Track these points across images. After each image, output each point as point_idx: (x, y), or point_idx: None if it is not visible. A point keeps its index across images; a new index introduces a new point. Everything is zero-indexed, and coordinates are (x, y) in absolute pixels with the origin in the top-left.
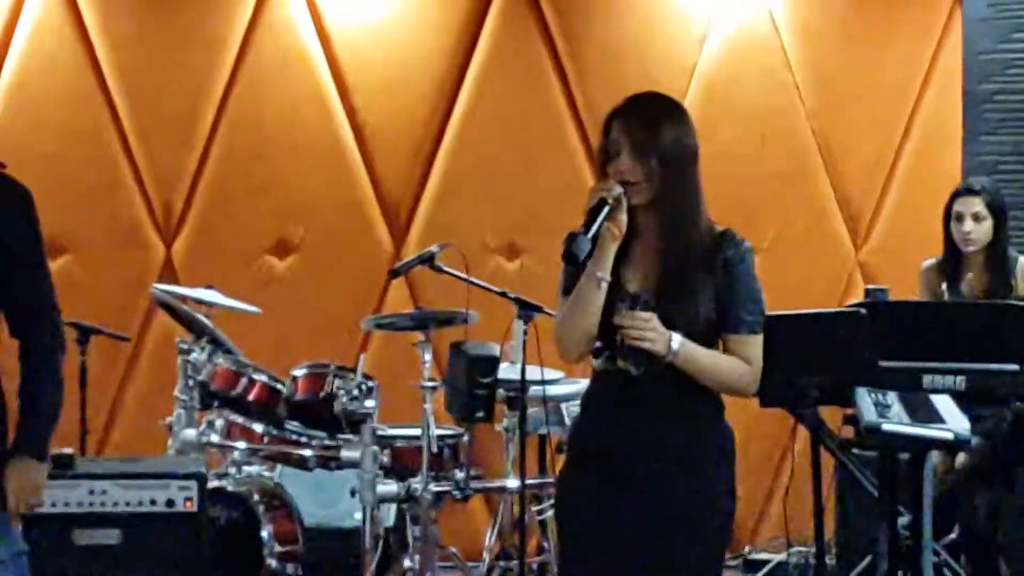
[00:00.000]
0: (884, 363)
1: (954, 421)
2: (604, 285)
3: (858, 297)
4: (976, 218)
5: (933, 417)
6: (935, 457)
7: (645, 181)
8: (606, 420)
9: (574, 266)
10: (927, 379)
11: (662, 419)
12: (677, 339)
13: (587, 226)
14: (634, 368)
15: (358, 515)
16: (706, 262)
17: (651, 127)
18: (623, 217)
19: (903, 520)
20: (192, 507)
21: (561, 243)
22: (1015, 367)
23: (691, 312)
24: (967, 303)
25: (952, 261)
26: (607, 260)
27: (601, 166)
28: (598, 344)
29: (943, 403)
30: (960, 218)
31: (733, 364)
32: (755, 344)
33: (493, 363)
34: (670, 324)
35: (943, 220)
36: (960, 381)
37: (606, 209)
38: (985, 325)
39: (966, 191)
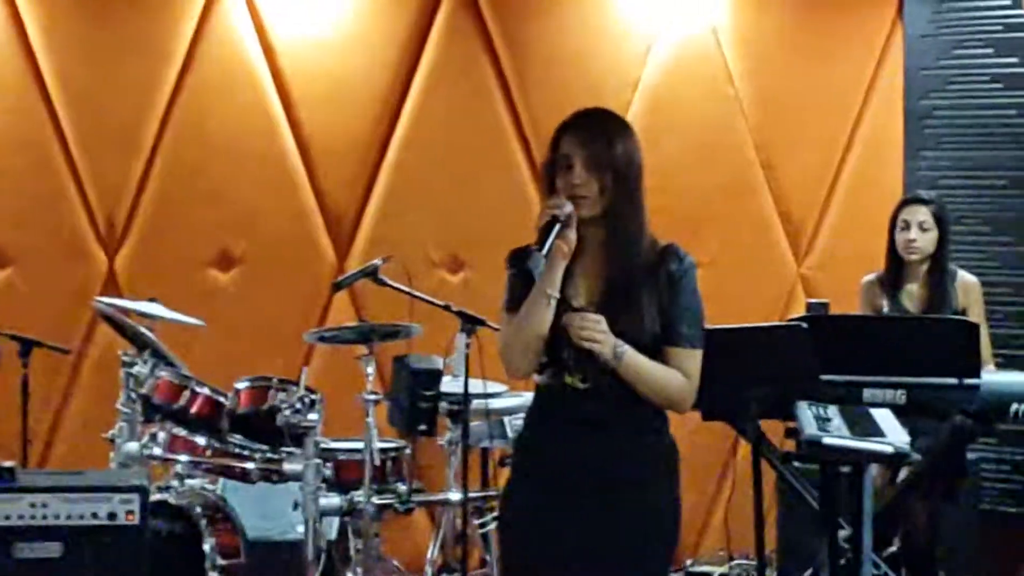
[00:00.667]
0: (825, 377)
1: (894, 435)
2: (553, 302)
3: (799, 311)
4: (921, 227)
5: (873, 431)
6: (875, 470)
7: (598, 195)
8: (551, 435)
9: (531, 281)
10: (867, 393)
11: (607, 434)
12: (622, 344)
13: (541, 243)
14: (581, 382)
15: (300, 528)
16: (650, 276)
17: (604, 141)
18: (573, 235)
19: (843, 533)
20: (134, 520)
21: (505, 259)
22: (954, 381)
23: (636, 326)
24: (907, 317)
25: (894, 272)
26: (556, 277)
27: (550, 181)
28: (543, 359)
29: (883, 417)
30: (906, 226)
31: (671, 375)
32: (694, 359)
33: (436, 376)
34: (616, 336)
35: (888, 230)
36: (900, 395)
37: (557, 227)
38: (925, 339)
39: (914, 200)
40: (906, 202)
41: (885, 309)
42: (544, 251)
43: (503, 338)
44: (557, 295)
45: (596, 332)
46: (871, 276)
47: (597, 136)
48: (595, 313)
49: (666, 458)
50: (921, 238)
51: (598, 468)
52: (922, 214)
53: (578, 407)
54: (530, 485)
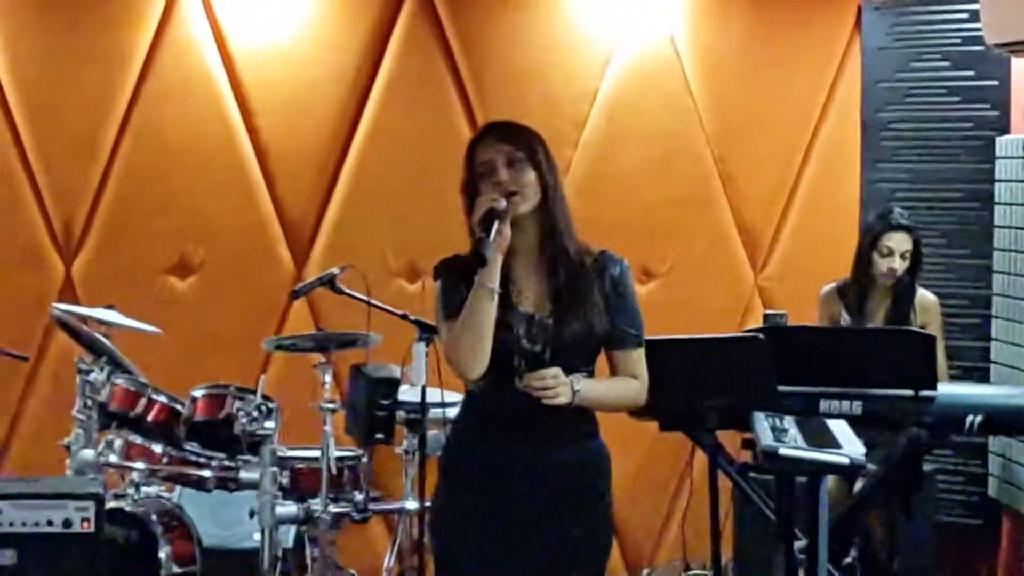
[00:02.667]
0: (782, 388)
1: (850, 446)
2: (496, 296)
3: (757, 322)
4: (903, 257)
5: (829, 442)
6: (832, 481)
7: (526, 190)
8: (483, 443)
9: (485, 267)
10: (824, 404)
11: (538, 440)
12: (579, 383)
13: (486, 231)
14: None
15: (257, 536)
16: (594, 280)
17: (521, 141)
18: (508, 230)
19: (799, 543)
20: (89, 528)
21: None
22: (910, 393)
23: (587, 328)
24: (863, 329)
25: (860, 289)
26: (496, 271)
27: (471, 198)
28: None
29: (839, 428)
30: (890, 253)
31: (625, 385)
32: (641, 358)
33: (393, 385)
34: (565, 341)
35: (861, 247)
36: (856, 406)
37: (497, 219)
38: (881, 351)
39: (899, 227)
40: (890, 227)
41: (843, 320)
42: (491, 238)
43: (449, 342)
44: (499, 288)
45: (558, 387)
46: (830, 286)
47: (512, 138)
48: (544, 317)
49: (598, 465)
50: (902, 267)
51: (529, 475)
52: (906, 243)
53: (508, 414)
54: (461, 492)
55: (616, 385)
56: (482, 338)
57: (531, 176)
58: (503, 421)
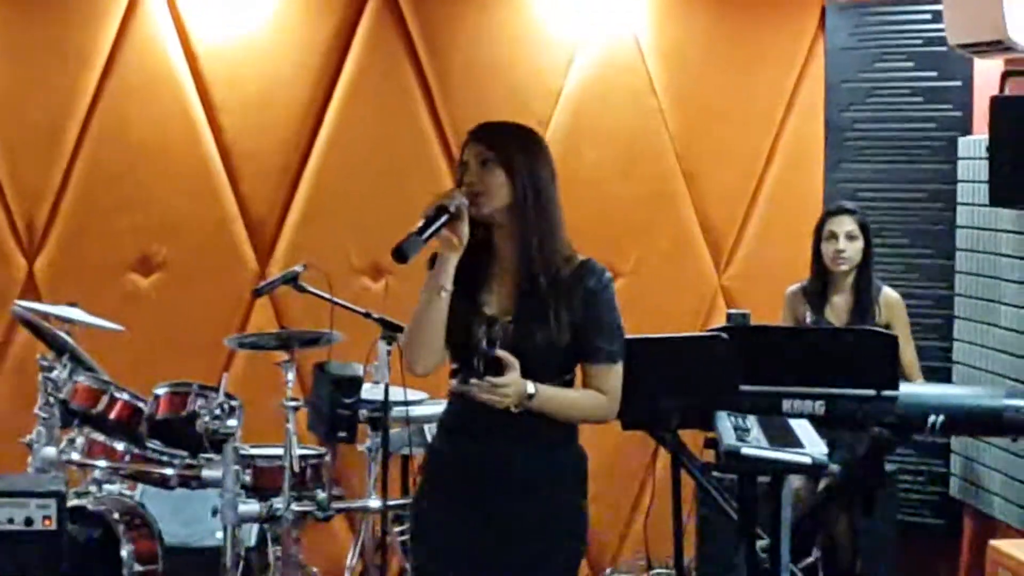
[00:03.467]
0: (744, 387)
1: (812, 446)
2: (445, 295)
3: (720, 321)
4: (849, 236)
5: (791, 441)
6: (797, 481)
7: (493, 193)
8: (461, 442)
9: (403, 263)
10: (786, 403)
11: (515, 441)
12: (531, 388)
13: (422, 229)
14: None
15: (219, 535)
16: (567, 290)
17: (500, 143)
18: (464, 228)
19: (762, 543)
20: (51, 525)
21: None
22: (872, 392)
23: (546, 339)
24: (826, 329)
25: (819, 284)
26: (447, 270)
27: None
28: (454, 365)
29: (802, 427)
30: (833, 236)
31: (587, 399)
32: (614, 374)
33: (356, 383)
34: (524, 348)
35: (813, 242)
36: (819, 406)
37: (444, 217)
38: (844, 351)
39: (839, 211)
40: (830, 213)
41: (808, 320)
42: (424, 236)
43: (403, 336)
44: (449, 287)
45: (498, 398)
46: (795, 286)
47: (492, 136)
48: (505, 325)
49: (575, 467)
50: (849, 247)
51: (505, 476)
52: (848, 224)
53: (486, 415)
54: (438, 492)
55: (574, 397)
56: (428, 335)
57: (499, 178)
58: (473, 422)
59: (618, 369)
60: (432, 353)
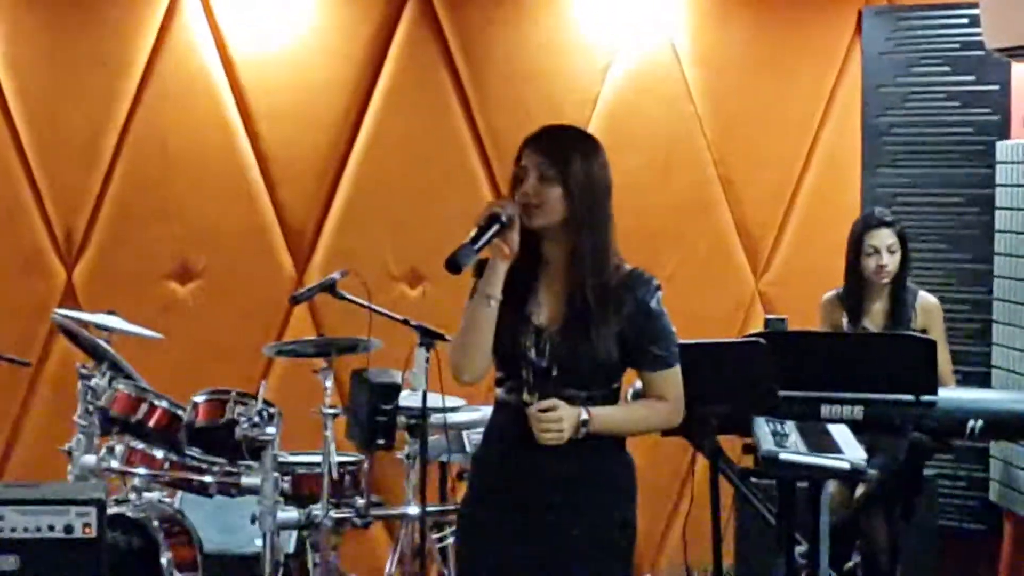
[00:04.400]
0: (783, 392)
1: (851, 451)
2: (494, 303)
3: (758, 327)
4: (890, 250)
5: (830, 447)
6: (834, 486)
7: (551, 206)
8: (508, 452)
9: (456, 274)
10: (825, 409)
11: (562, 450)
12: (586, 414)
13: (475, 239)
14: (539, 401)
15: (258, 542)
16: (616, 300)
17: (560, 154)
18: (515, 237)
19: (800, 548)
20: (91, 533)
21: (471, 269)
22: (910, 397)
23: (593, 350)
24: (864, 334)
25: (856, 294)
26: (497, 279)
27: (512, 189)
28: (500, 374)
29: (840, 433)
30: (875, 251)
31: (648, 410)
32: (673, 377)
33: (394, 390)
34: (572, 360)
35: (848, 252)
36: (857, 411)
37: (496, 226)
38: (882, 356)
39: (879, 223)
40: (870, 226)
41: (845, 326)
42: (476, 246)
43: (451, 343)
44: (498, 296)
45: (554, 427)
46: (831, 293)
47: (554, 149)
48: (554, 334)
49: (622, 478)
50: (891, 261)
51: (553, 488)
52: (889, 237)
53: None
54: (487, 503)
55: (638, 411)
56: (477, 344)
57: (556, 193)
58: (520, 430)
59: (677, 372)
60: (480, 362)
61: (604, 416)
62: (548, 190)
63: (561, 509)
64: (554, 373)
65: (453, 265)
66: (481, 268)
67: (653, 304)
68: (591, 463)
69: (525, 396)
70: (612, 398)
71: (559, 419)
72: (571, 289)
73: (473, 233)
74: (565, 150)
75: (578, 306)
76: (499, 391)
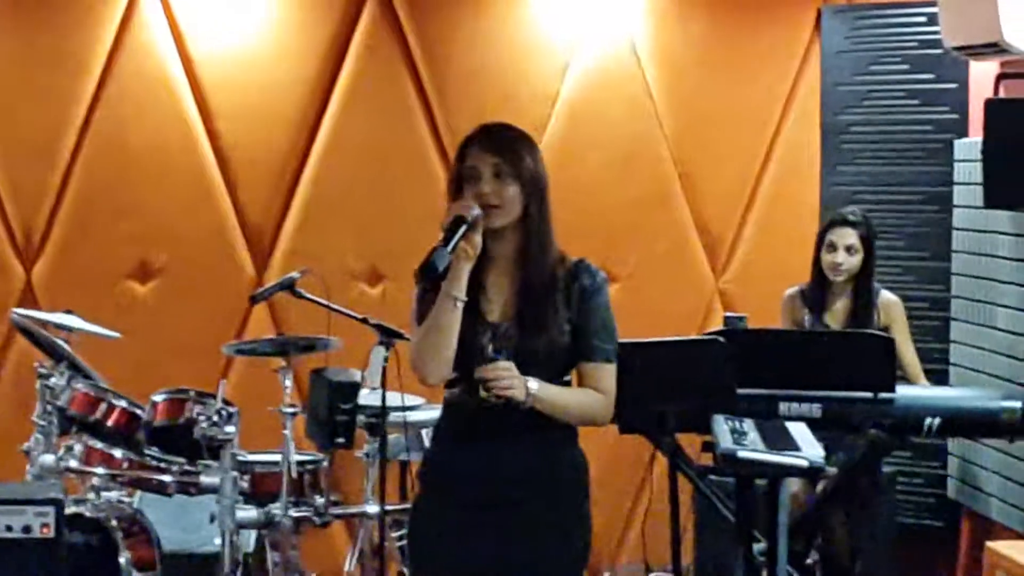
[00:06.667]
0: (741, 390)
1: (809, 448)
2: (460, 305)
3: (717, 324)
4: (849, 250)
5: (788, 444)
6: (794, 484)
7: (507, 205)
8: (460, 449)
9: (433, 279)
10: (783, 406)
11: (516, 447)
12: (533, 383)
13: (446, 241)
14: (495, 398)
15: (217, 541)
16: (563, 291)
17: (512, 153)
18: (478, 239)
19: (759, 546)
20: (49, 533)
21: (413, 273)
22: (869, 395)
23: (549, 340)
24: (823, 332)
25: (819, 290)
26: (462, 280)
27: (455, 193)
28: (455, 374)
29: (798, 430)
30: (833, 248)
31: (588, 398)
32: (609, 373)
33: (354, 389)
34: (530, 352)
35: (815, 248)
36: (816, 409)
37: (464, 226)
38: (840, 354)
39: (842, 222)
40: (834, 223)
41: (806, 324)
42: (450, 248)
43: (414, 346)
44: (464, 298)
45: (510, 380)
46: (793, 290)
47: (505, 148)
48: (509, 327)
49: (576, 474)
50: (847, 261)
51: (508, 484)
52: (850, 237)
53: (486, 422)
54: (439, 500)
55: (576, 395)
56: (442, 345)
57: (514, 191)
58: (473, 429)
59: (612, 369)
60: (446, 362)
61: (549, 390)
62: (506, 189)
63: (513, 506)
64: None
65: (430, 269)
66: (425, 274)
67: (598, 295)
68: (543, 459)
69: (482, 394)
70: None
71: (509, 367)
72: (521, 284)
73: (442, 236)
74: (516, 147)
75: (530, 299)
76: (448, 392)
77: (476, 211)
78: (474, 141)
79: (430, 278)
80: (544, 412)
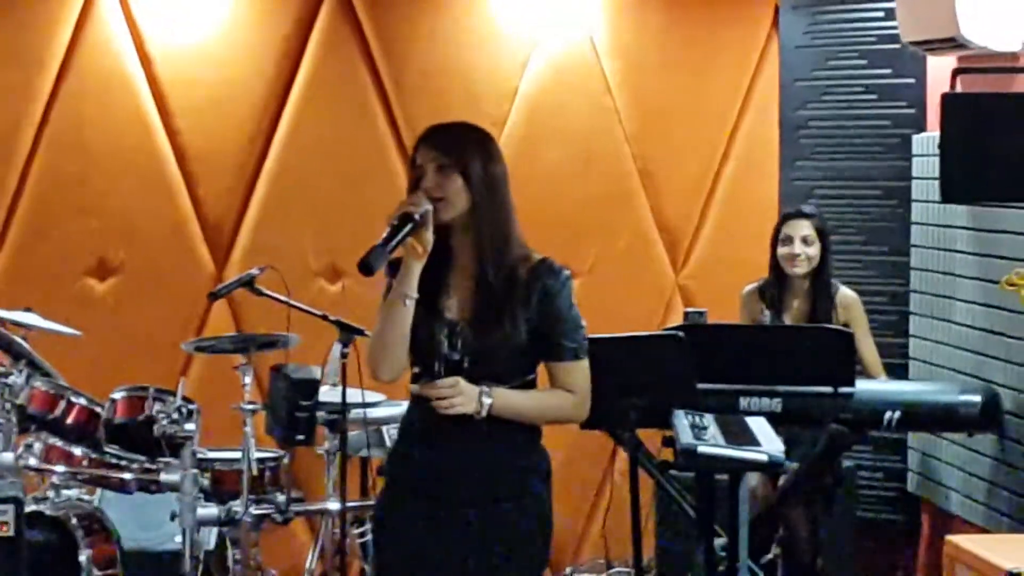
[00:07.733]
0: (702, 385)
1: (769, 443)
2: (410, 303)
3: (677, 320)
4: (805, 241)
5: (748, 439)
6: (755, 479)
7: (453, 198)
8: (425, 445)
9: (369, 275)
10: (743, 401)
11: (480, 443)
12: (487, 398)
13: (387, 239)
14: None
15: (178, 538)
16: (524, 289)
17: (455, 147)
18: (429, 236)
19: (720, 541)
20: (8, 531)
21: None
22: (829, 390)
23: (507, 339)
24: (782, 327)
25: (777, 286)
26: (412, 278)
27: (411, 193)
28: (416, 370)
29: (759, 425)
30: (789, 240)
31: (553, 399)
32: (580, 370)
33: (314, 386)
34: (486, 351)
35: (770, 244)
36: (776, 403)
37: (410, 225)
38: (799, 348)
39: (796, 214)
40: (788, 216)
41: (765, 320)
42: (388, 247)
43: (368, 343)
44: (414, 295)
45: (454, 399)
46: (752, 286)
47: (446, 141)
48: (465, 326)
49: (538, 471)
50: (804, 251)
51: (469, 481)
52: (805, 228)
53: (450, 418)
54: (403, 496)
55: (544, 399)
56: (393, 343)
57: (457, 183)
58: (438, 426)
59: (584, 366)
60: (398, 360)
61: (507, 396)
62: (448, 182)
63: (476, 503)
64: (465, 365)
65: (365, 267)
66: (395, 267)
67: (563, 294)
68: (506, 457)
69: (413, 389)
70: (532, 387)
71: (454, 384)
72: (478, 280)
73: (386, 233)
74: (458, 140)
75: (487, 297)
76: (413, 387)
77: (426, 206)
78: (421, 141)
79: (366, 275)
80: (506, 418)
